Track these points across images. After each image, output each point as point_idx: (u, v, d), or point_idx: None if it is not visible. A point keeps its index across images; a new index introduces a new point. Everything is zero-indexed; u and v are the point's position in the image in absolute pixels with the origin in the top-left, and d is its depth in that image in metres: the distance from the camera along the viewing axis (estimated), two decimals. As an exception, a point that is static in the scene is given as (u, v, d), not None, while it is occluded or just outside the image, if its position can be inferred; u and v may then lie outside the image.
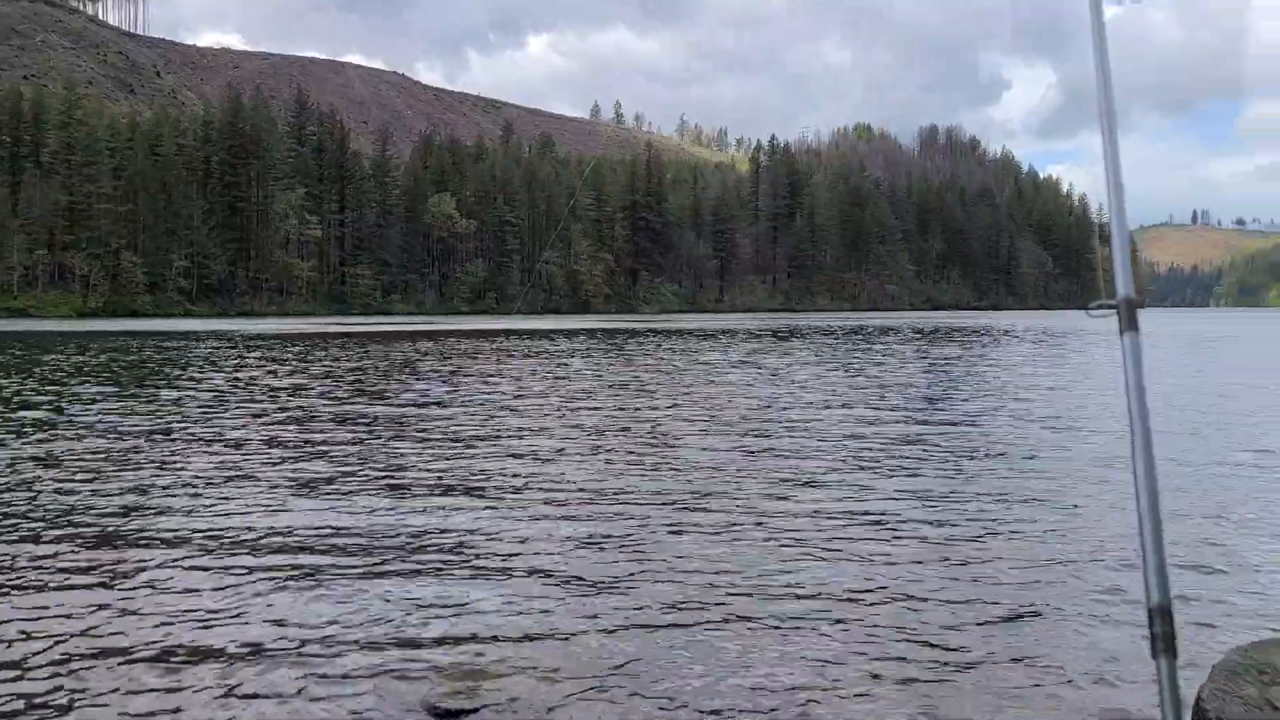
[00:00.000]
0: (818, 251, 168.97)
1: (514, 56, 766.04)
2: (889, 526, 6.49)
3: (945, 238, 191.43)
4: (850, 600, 4.91)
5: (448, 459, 9.29)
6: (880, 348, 31.03)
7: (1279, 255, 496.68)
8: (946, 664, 4.09)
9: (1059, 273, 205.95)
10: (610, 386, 17.37)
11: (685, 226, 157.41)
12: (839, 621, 4.60)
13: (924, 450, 9.78)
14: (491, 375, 20.07)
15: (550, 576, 5.32)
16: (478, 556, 5.74)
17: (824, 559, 5.66)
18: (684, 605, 4.80)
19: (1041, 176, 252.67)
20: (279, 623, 4.59)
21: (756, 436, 10.74)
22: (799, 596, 4.97)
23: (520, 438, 10.76)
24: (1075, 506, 7.19)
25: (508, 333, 47.47)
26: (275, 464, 9.08)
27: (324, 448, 10.07)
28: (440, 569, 5.47)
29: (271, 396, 15.61)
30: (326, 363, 24.46)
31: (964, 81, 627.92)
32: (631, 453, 9.66)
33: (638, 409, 13.60)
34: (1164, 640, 1.98)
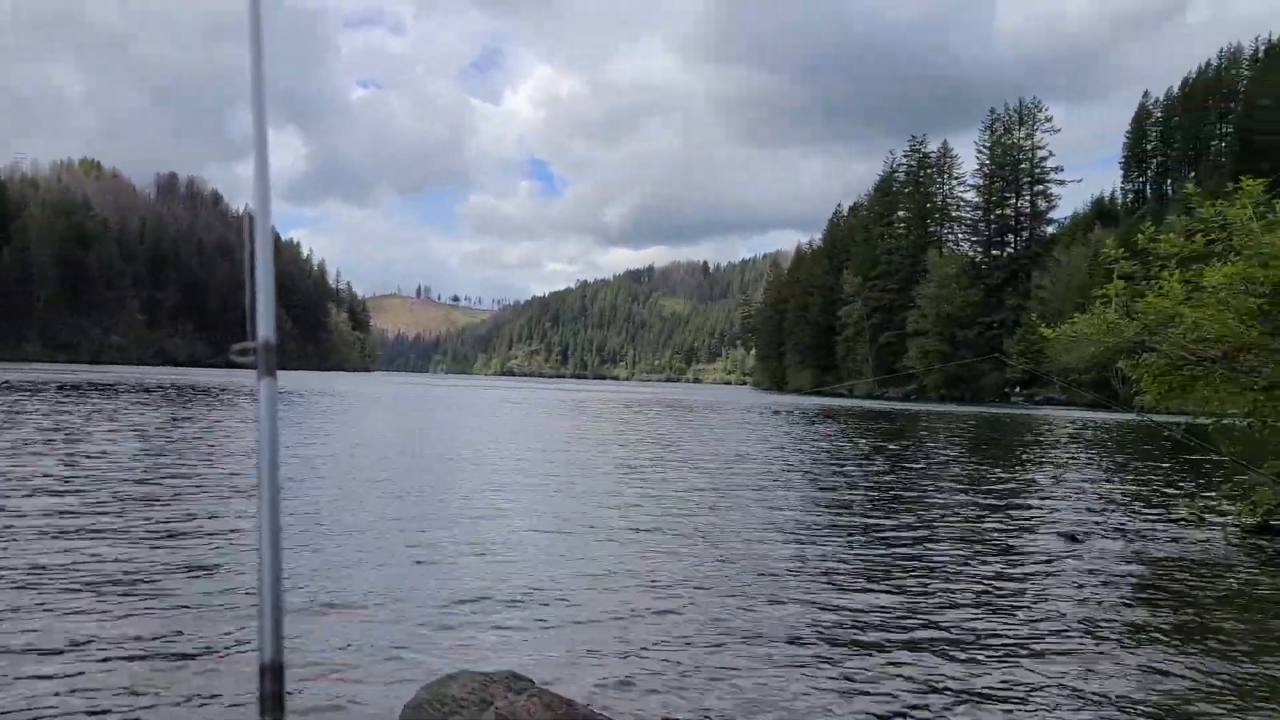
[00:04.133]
0: (30, 293, 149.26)
1: None
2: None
3: (181, 289, 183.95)
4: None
5: None
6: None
7: (484, 330, 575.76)
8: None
9: (297, 333, 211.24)
10: None
11: None
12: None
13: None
14: None
15: None
16: None
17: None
18: None
19: (284, 239, 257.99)
20: None
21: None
22: None
23: None
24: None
25: None
26: None
27: None
28: None
29: None
30: None
31: (213, 135, 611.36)
32: None
33: None
34: (273, 699, 1.88)
